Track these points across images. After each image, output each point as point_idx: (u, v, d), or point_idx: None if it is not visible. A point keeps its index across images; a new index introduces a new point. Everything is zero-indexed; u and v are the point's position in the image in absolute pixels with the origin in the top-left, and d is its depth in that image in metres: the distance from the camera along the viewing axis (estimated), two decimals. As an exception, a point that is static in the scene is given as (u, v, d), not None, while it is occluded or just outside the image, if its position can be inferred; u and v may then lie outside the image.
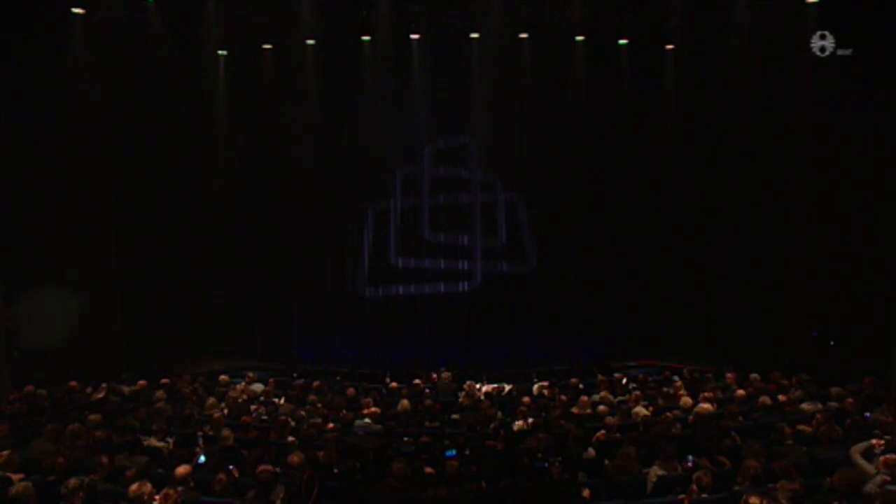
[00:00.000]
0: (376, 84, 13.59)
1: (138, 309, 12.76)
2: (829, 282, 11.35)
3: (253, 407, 9.60)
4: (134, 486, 5.47)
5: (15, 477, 5.95)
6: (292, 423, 8.45)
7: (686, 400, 9.01)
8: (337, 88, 13.74)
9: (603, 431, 7.77)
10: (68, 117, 11.83)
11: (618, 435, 7.75)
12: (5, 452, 6.34)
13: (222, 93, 13.80)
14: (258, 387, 10.67)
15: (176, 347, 13.16)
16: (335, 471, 6.71)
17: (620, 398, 9.70)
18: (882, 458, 5.78)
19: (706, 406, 8.57)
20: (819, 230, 11.63)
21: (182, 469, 6.11)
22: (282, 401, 9.88)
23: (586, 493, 6.19)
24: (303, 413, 9.08)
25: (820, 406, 8.21)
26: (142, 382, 10.18)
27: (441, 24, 13.25)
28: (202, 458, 7.02)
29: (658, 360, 12.91)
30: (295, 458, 6.50)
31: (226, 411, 9.23)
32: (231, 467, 6.50)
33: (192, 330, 13.64)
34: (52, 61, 11.56)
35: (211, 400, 9.41)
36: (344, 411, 9.01)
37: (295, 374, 12.23)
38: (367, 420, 8.70)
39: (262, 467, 6.08)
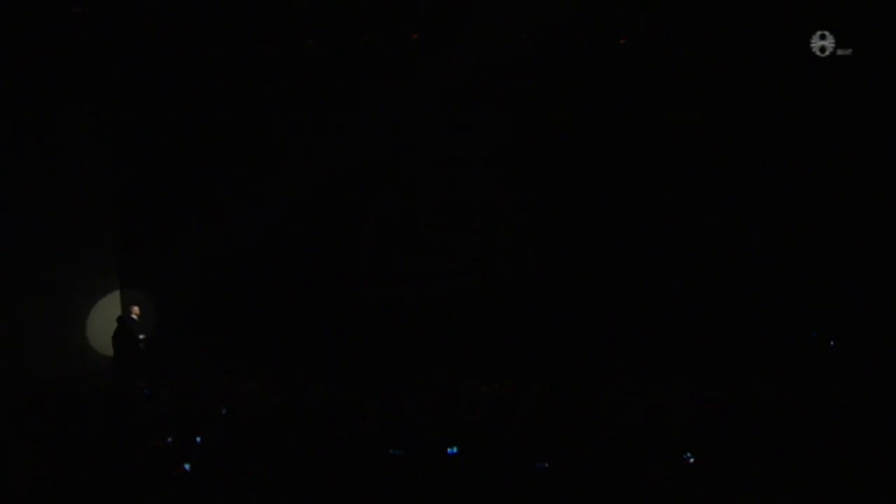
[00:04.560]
0: (376, 84, 13.59)
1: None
2: (829, 281, 11.35)
3: (252, 407, 9.58)
4: (134, 487, 5.48)
5: None
6: (292, 423, 8.44)
7: (684, 400, 8.99)
8: (337, 88, 13.73)
9: (603, 431, 7.76)
10: (68, 117, 11.82)
11: (619, 435, 7.73)
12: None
13: (223, 93, 13.78)
14: (258, 386, 10.67)
15: (176, 347, 13.16)
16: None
17: (619, 398, 9.70)
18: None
19: (702, 406, 8.56)
20: (820, 229, 11.63)
21: (181, 469, 6.11)
22: (281, 401, 9.87)
23: (587, 491, 6.19)
24: (302, 413, 9.07)
25: (818, 406, 8.21)
26: (142, 383, 10.19)
27: (441, 23, 13.24)
28: (201, 459, 7.01)
29: (655, 360, 12.88)
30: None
31: (225, 411, 9.23)
32: (230, 468, 6.49)
33: (192, 330, 13.63)
34: (52, 61, 11.56)
35: (212, 400, 9.42)
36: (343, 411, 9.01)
37: (295, 375, 12.21)
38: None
39: (261, 468, 6.08)
